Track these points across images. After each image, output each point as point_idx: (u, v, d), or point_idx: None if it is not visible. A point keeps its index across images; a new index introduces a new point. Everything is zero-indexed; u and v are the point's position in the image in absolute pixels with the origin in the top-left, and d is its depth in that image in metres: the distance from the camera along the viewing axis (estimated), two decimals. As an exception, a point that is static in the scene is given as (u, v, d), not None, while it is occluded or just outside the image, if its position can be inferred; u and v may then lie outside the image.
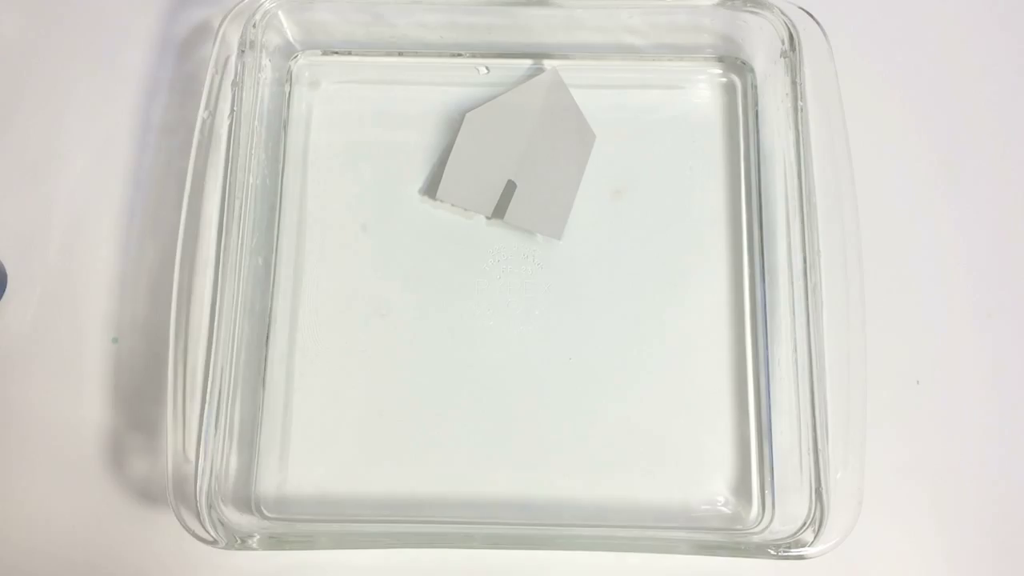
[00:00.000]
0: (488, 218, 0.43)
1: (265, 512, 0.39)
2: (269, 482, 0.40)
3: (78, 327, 0.42)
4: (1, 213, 0.44)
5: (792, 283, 0.39)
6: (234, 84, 0.40)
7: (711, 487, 0.40)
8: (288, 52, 0.45)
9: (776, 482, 0.39)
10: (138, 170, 0.44)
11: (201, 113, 0.40)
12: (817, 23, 0.41)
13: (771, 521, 0.39)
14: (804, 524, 0.36)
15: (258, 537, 0.37)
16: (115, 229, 0.44)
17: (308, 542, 0.37)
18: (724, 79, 0.46)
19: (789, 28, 0.41)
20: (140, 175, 0.44)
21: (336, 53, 0.45)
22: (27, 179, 0.44)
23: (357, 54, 0.45)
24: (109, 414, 0.41)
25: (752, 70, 0.45)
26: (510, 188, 0.42)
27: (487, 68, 0.45)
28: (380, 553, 0.40)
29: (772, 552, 0.36)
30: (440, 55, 0.45)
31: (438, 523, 0.39)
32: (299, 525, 0.39)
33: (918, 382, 0.41)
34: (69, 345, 0.42)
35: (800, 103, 0.40)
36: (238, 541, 0.36)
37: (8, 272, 0.43)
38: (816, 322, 0.37)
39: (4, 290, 0.43)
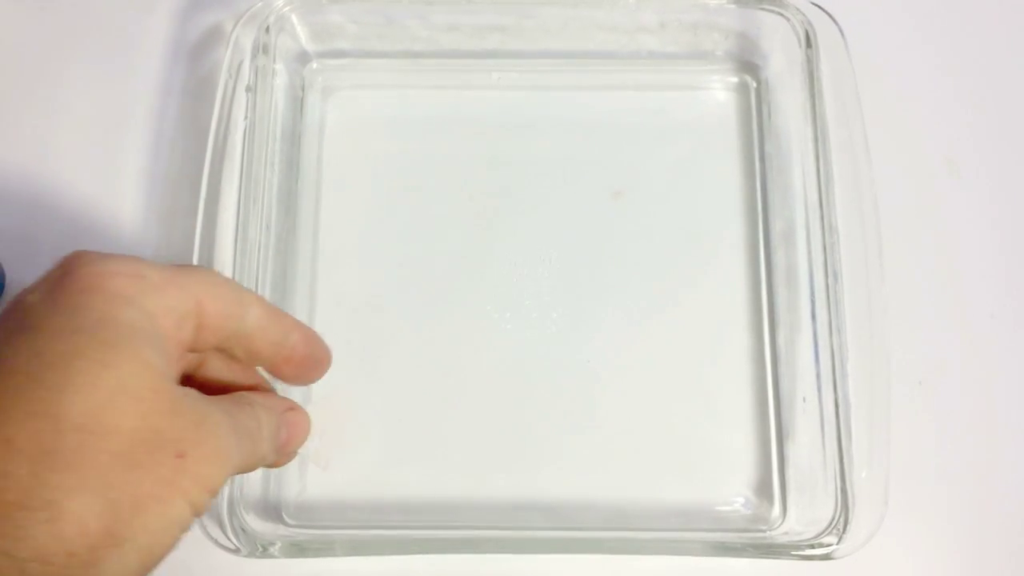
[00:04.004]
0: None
1: (286, 519, 0.39)
2: (289, 489, 0.40)
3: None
4: (6, 217, 0.44)
5: (812, 281, 0.39)
6: (248, 89, 0.40)
7: (732, 488, 0.40)
8: (301, 57, 0.45)
9: (798, 482, 0.39)
10: (151, 175, 0.44)
11: (215, 118, 0.40)
12: (833, 20, 0.41)
13: (793, 521, 0.39)
14: (830, 524, 0.36)
15: (280, 545, 0.37)
16: (129, 234, 0.43)
17: (329, 549, 0.37)
18: (736, 79, 0.45)
19: (805, 26, 0.41)
20: (154, 180, 0.44)
21: (350, 57, 0.45)
22: (34, 183, 0.44)
23: (371, 58, 0.45)
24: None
25: (766, 69, 0.45)
26: None
27: (499, 75, 0.45)
28: (400, 559, 0.39)
29: (797, 553, 0.36)
30: (454, 57, 0.45)
31: (458, 528, 0.39)
32: (320, 532, 0.39)
33: (920, 382, 0.41)
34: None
35: (817, 101, 0.40)
36: (260, 549, 0.36)
37: (10, 277, 0.43)
38: (838, 319, 0.37)
39: (3, 291, 0.42)
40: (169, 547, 0.23)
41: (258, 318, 0.28)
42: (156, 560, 0.23)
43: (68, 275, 0.24)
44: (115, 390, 0.22)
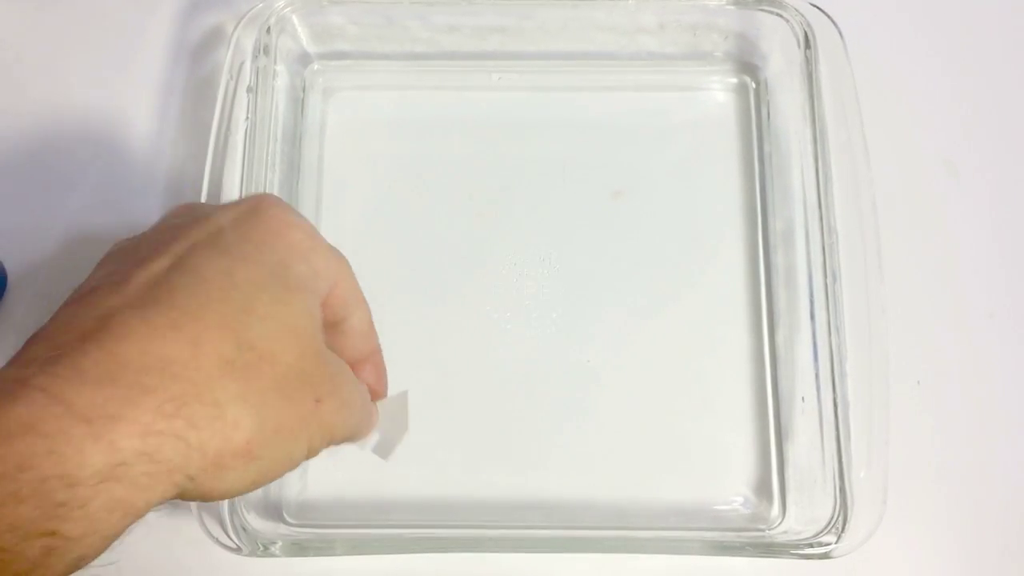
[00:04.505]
0: None
1: (287, 518, 0.39)
2: (290, 488, 0.40)
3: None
4: (8, 216, 0.44)
5: (811, 281, 0.39)
6: (249, 90, 0.40)
7: (731, 487, 0.40)
8: (302, 58, 0.45)
9: (797, 481, 0.39)
10: (152, 175, 0.44)
11: (216, 119, 0.40)
12: (832, 21, 0.41)
13: (792, 521, 0.39)
14: (828, 523, 0.36)
15: (280, 544, 0.37)
16: (130, 235, 0.43)
17: (330, 548, 0.37)
18: (735, 80, 0.46)
19: (804, 27, 0.41)
20: (155, 181, 0.44)
21: (350, 58, 0.45)
22: (35, 183, 0.44)
23: (371, 59, 0.45)
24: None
25: (765, 70, 0.45)
26: None
27: (499, 76, 0.45)
28: (400, 558, 0.39)
29: (796, 552, 0.36)
30: (454, 59, 0.45)
31: (458, 527, 0.39)
32: (321, 531, 0.39)
33: (919, 382, 0.41)
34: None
35: (816, 102, 0.40)
36: (261, 548, 0.36)
37: (11, 277, 0.43)
38: (837, 319, 0.37)
39: (4, 290, 0.42)
40: (275, 478, 0.25)
41: (361, 322, 0.31)
42: (261, 485, 0.25)
43: (257, 213, 0.27)
44: (284, 327, 0.25)
